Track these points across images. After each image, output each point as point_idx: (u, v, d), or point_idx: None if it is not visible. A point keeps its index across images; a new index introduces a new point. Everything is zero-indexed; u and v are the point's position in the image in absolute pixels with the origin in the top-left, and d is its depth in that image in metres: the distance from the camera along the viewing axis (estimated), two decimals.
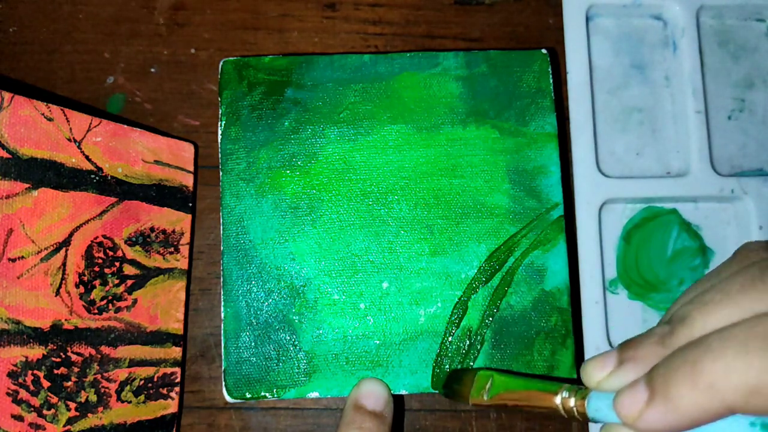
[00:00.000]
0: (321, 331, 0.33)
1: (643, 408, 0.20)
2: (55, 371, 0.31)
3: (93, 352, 0.32)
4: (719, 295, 0.20)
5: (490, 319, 0.33)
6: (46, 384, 0.31)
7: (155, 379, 0.35)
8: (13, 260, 0.30)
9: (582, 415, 0.23)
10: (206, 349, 0.37)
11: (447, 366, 0.33)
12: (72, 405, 0.31)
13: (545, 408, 0.25)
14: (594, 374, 0.22)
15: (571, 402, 0.23)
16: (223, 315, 0.33)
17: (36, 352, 0.31)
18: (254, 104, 0.35)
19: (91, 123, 0.33)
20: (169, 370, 0.35)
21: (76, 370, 0.32)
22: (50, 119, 0.32)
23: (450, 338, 0.33)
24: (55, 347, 0.31)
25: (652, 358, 0.21)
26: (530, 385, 0.26)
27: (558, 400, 0.24)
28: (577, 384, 0.24)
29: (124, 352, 0.34)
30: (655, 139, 0.39)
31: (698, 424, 0.19)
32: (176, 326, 0.36)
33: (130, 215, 0.34)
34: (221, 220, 0.34)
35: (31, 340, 0.30)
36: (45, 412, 0.30)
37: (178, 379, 0.36)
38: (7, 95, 0.30)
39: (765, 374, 0.18)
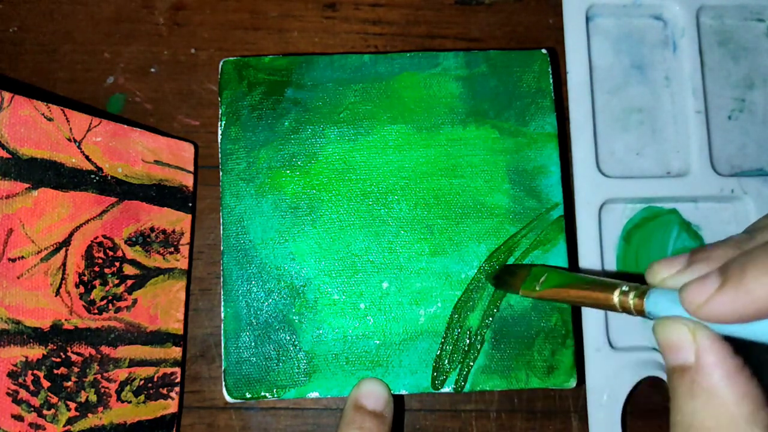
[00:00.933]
0: (321, 331, 0.33)
1: (712, 294, 0.20)
2: (55, 371, 0.31)
3: (93, 352, 0.32)
4: None
5: (490, 319, 0.33)
6: (46, 384, 0.31)
7: (155, 379, 0.35)
8: (13, 260, 0.30)
9: (639, 310, 0.22)
10: (206, 349, 0.37)
11: (447, 366, 0.33)
12: (72, 405, 0.31)
13: (600, 303, 0.24)
14: (661, 271, 0.22)
15: (630, 297, 0.23)
16: (223, 315, 0.33)
17: (36, 352, 0.31)
18: (254, 104, 0.35)
19: (91, 123, 0.33)
20: (169, 370, 0.35)
21: (76, 370, 0.32)
22: (50, 119, 0.32)
23: (450, 338, 0.33)
24: (55, 347, 0.31)
25: (726, 260, 0.20)
26: (587, 281, 0.26)
27: (616, 295, 0.23)
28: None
29: (124, 352, 0.34)
30: (655, 139, 0.39)
31: (766, 315, 0.19)
32: (176, 326, 0.36)
33: (130, 215, 0.34)
34: (221, 220, 0.34)
35: (31, 340, 0.30)
36: (45, 412, 0.30)
37: (178, 379, 0.36)
38: (7, 95, 0.30)
39: None
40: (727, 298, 0.19)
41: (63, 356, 0.31)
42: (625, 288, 0.23)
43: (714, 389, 0.20)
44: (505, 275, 0.32)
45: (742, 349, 0.20)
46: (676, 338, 0.21)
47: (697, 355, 0.20)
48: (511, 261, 0.34)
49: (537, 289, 0.27)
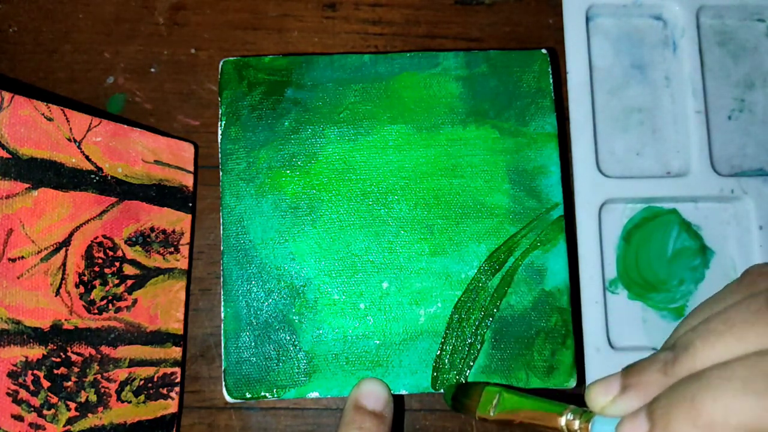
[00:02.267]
0: (321, 331, 0.33)
1: None
2: (55, 371, 0.31)
3: (93, 352, 0.32)
4: (723, 325, 0.20)
5: (490, 319, 0.33)
6: (46, 384, 0.31)
7: (155, 379, 0.35)
8: (13, 260, 0.30)
9: None
10: (206, 349, 0.37)
11: (447, 366, 0.33)
12: (72, 405, 0.31)
13: (550, 428, 0.25)
14: (598, 399, 0.23)
15: (576, 424, 0.24)
16: (223, 315, 0.33)
17: (36, 352, 0.31)
18: (254, 104, 0.35)
19: (91, 123, 0.33)
20: (169, 370, 0.35)
21: (76, 370, 0.32)
22: (50, 119, 0.32)
23: (450, 338, 0.33)
24: (55, 347, 0.31)
25: (655, 386, 0.21)
26: (537, 404, 0.27)
27: (563, 421, 0.25)
28: (581, 406, 0.25)
29: (124, 352, 0.34)
30: (655, 139, 0.39)
31: None
32: (176, 326, 0.36)
33: (130, 215, 0.34)
34: (221, 220, 0.34)
35: (31, 340, 0.30)
36: (45, 412, 0.30)
37: (178, 379, 0.36)
38: (7, 95, 0.30)
39: (765, 415, 0.18)
40: None
41: (63, 356, 0.31)
42: (570, 416, 0.24)
43: None
44: (460, 397, 0.31)
45: None
46: None
47: None
48: (510, 261, 0.34)
49: (491, 414, 0.28)
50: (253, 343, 0.33)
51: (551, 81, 0.35)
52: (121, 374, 0.33)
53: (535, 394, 0.28)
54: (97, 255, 0.33)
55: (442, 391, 0.33)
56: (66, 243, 0.32)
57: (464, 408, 0.31)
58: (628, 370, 0.23)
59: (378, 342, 0.33)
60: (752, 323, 0.20)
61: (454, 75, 0.35)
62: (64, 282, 0.32)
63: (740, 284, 0.22)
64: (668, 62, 0.39)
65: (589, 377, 0.34)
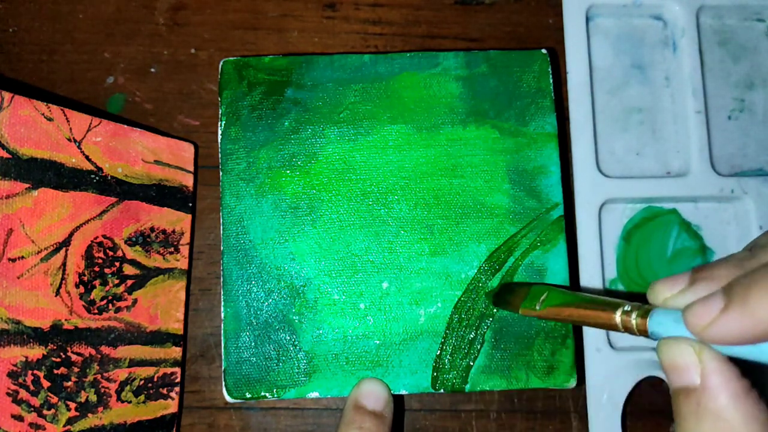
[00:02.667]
0: (321, 331, 0.33)
1: (716, 316, 0.19)
2: (55, 371, 0.31)
3: (93, 352, 0.32)
4: None
5: (490, 319, 0.33)
6: (46, 384, 0.31)
7: (155, 379, 0.35)
8: (13, 260, 0.30)
9: (641, 330, 0.22)
10: (206, 349, 0.37)
11: (447, 366, 0.33)
12: (72, 405, 0.31)
13: (602, 323, 0.24)
14: (663, 291, 0.22)
15: (632, 319, 0.23)
16: (223, 315, 0.33)
17: (36, 352, 0.31)
18: (254, 104, 0.35)
19: (91, 123, 0.33)
20: (169, 370, 0.35)
21: (76, 370, 0.32)
22: (50, 119, 0.32)
23: (450, 338, 0.33)
24: (55, 347, 0.31)
25: (728, 279, 0.20)
26: (589, 300, 0.25)
27: (618, 316, 0.23)
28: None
29: (124, 352, 0.34)
30: (655, 139, 0.39)
31: None
32: (176, 326, 0.36)
33: (130, 215, 0.34)
34: (221, 220, 0.34)
35: (31, 340, 0.30)
36: (45, 412, 0.30)
37: (178, 379, 0.36)
38: (7, 95, 0.30)
39: None
40: (732, 319, 0.19)
41: (63, 356, 0.31)
42: (627, 308, 0.23)
43: (721, 412, 0.20)
44: (504, 294, 0.31)
45: (748, 371, 0.20)
46: (681, 360, 0.21)
47: (702, 376, 0.20)
48: (510, 261, 0.34)
49: (537, 308, 0.27)
50: (253, 343, 0.33)
51: (551, 81, 0.35)
52: (121, 374, 0.33)
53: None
54: (97, 255, 0.33)
55: (441, 390, 0.33)
56: (66, 243, 0.32)
57: (507, 303, 0.30)
58: (697, 268, 0.22)
59: (378, 342, 0.33)
60: None
61: (454, 75, 0.35)
62: (64, 282, 0.32)
63: None
64: (668, 62, 0.39)
65: (589, 377, 0.34)
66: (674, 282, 0.22)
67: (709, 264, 0.22)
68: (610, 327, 0.24)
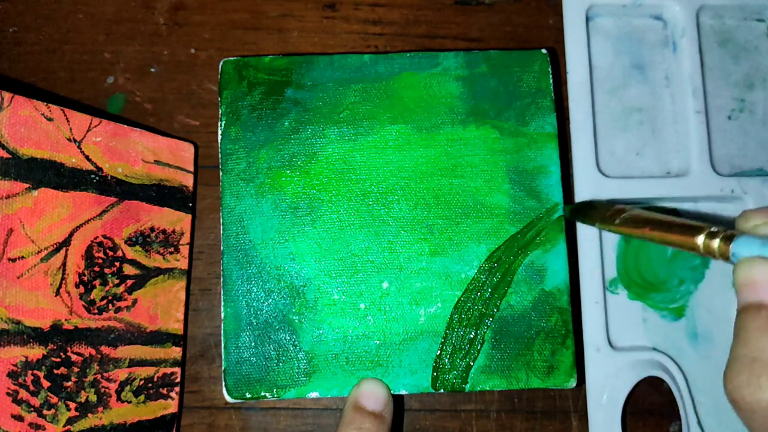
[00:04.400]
0: (321, 331, 0.33)
1: None
2: (55, 371, 0.31)
3: (93, 352, 0.32)
4: None
5: (490, 319, 0.33)
6: (46, 384, 0.31)
7: (155, 379, 0.35)
8: (13, 260, 0.30)
9: (723, 253, 0.23)
10: (206, 349, 0.37)
11: (447, 366, 0.33)
12: (72, 405, 0.31)
13: (682, 244, 0.24)
14: (754, 218, 0.22)
15: (715, 244, 0.23)
16: (223, 315, 0.33)
17: (36, 352, 0.31)
18: (254, 104, 0.35)
19: (91, 123, 0.33)
20: (169, 370, 0.35)
21: (76, 370, 0.32)
22: (50, 119, 0.32)
23: (450, 338, 0.33)
24: (55, 347, 0.31)
25: None
26: (669, 221, 0.25)
27: (701, 239, 0.23)
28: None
29: (124, 352, 0.34)
30: (655, 139, 0.39)
31: None
32: (176, 326, 0.36)
33: (130, 215, 0.34)
34: (221, 220, 0.34)
35: (31, 340, 0.30)
36: (45, 412, 0.30)
37: (178, 379, 0.36)
38: (7, 95, 0.30)
39: None
40: None
41: (63, 356, 0.31)
42: (714, 229, 0.23)
43: None
44: (584, 208, 0.31)
45: None
46: (759, 276, 0.21)
47: None
48: (510, 261, 0.34)
49: (616, 222, 0.27)
50: (253, 343, 0.33)
51: (551, 81, 0.35)
52: (121, 374, 0.33)
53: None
54: (97, 255, 0.33)
55: (441, 390, 0.33)
56: (66, 243, 0.32)
57: (586, 217, 0.30)
58: None
59: (378, 342, 0.33)
60: None
61: (454, 75, 0.35)
62: (64, 282, 0.32)
63: None
64: (668, 62, 0.39)
65: (589, 377, 0.34)
66: (765, 211, 0.22)
67: None
68: (690, 248, 0.24)
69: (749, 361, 0.21)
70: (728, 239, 0.23)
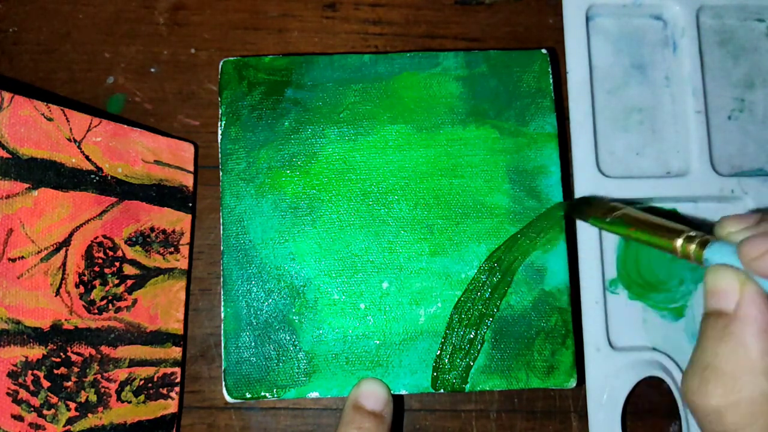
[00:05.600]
0: (321, 331, 0.33)
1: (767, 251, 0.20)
2: (55, 371, 0.31)
3: (93, 352, 0.32)
4: None
5: (490, 319, 0.33)
6: (46, 384, 0.31)
7: (155, 379, 0.35)
8: (13, 260, 0.30)
9: (697, 258, 0.23)
10: (206, 349, 0.37)
11: (447, 366, 0.33)
12: (72, 405, 0.31)
13: (662, 246, 0.25)
14: (729, 225, 0.23)
15: (692, 244, 0.24)
16: (223, 315, 0.33)
17: (36, 352, 0.31)
18: (254, 104, 0.35)
19: (91, 123, 0.33)
20: (169, 370, 0.35)
21: (76, 370, 0.32)
22: (50, 119, 0.32)
23: (450, 338, 0.33)
24: (55, 347, 0.31)
25: None
26: (657, 222, 0.27)
27: (679, 241, 0.24)
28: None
29: (124, 352, 0.34)
30: (655, 139, 0.39)
31: None
32: (176, 326, 0.36)
33: (130, 215, 0.34)
34: (221, 220, 0.34)
35: (31, 340, 0.30)
36: (45, 412, 0.30)
37: (178, 379, 0.36)
38: (7, 95, 0.30)
39: None
40: None
41: (63, 356, 0.31)
42: (691, 233, 0.24)
43: (743, 339, 0.21)
44: (581, 204, 0.32)
45: None
46: (723, 284, 0.22)
47: (738, 304, 0.21)
48: (510, 261, 0.34)
49: (607, 220, 0.29)
50: (253, 343, 0.33)
51: (551, 81, 0.35)
52: (121, 374, 0.33)
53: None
54: (97, 255, 0.33)
55: (441, 390, 0.33)
56: (66, 243, 0.32)
57: (580, 213, 0.32)
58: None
59: (378, 342, 0.33)
60: None
61: (454, 75, 0.35)
62: (64, 282, 0.32)
63: None
64: (668, 62, 0.39)
65: (589, 377, 0.34)
66: (742, 219, 0.23)
67: None
68: (670, 251, 0.25)
69: (702, 366, 0.21)
70: (703, 244, 0.23)
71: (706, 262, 0.23)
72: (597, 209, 0.30)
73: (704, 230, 0.25)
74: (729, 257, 0.22)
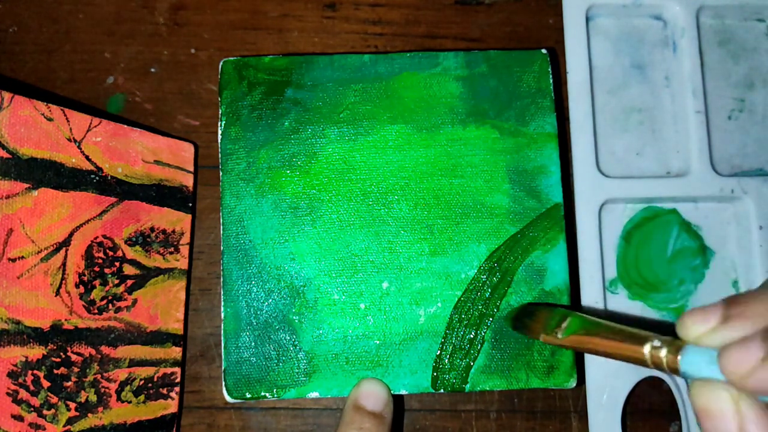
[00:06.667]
0: (321, 331, 0.33)
1: (756, 365, 0.18)
2: (55, 371, 0.31)
3: (93, 352, 0.32)
4: None
5: (490, 319, 0.33)
6: (46, 384, 0.31)
7: (155, 379, 0.35)
8: (13, 260, 0.30)
9: (673, 369, 0.21)
10: (206, 349, 0.37)
11: (447, 366, 0.33)
12: (72, 405, 0.31)
13: (629, 357, 0.23)
14: (694, 327, 0.20)
15: (662, 354, 0.21)
16: (223, 315, 0.33)
17: (36, 352, 0.31)
18: (254, 104, 0.35)
19: (91, 123, 0.33)
20: (169, 370, 0.35)
21: (76, 370, 0.32)
22: (50, 119, 0.32)
23: (450, 338, 0.33)
24: (55, 347, 0.31)
25: (765, 318, 0.19)
26: (614, 330, 0.24)
27: (647, 350, 0.22)
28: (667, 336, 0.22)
29: (124, 352, 0.34)
30: (655, 139, 0.39)
31: None
32: (176, 326, 0.36)
33: (130, 215, 0.34)
34: (221, 220, 0.34)
35: (31, 340, 0.30)
36: (45, 412, 0.30)
37: (178, 379, 0.36)
38: (7, 95, 0.30)
39: None
40: None
41: (63, 356, 0.31)
42: (657, 343, 0.22)
43: None
44: (523, 317, 0.31)
45: None
46: (716, 406, 0.20)
47: (740, 427, 0.19)
48: (510, 261, 0.34)
49: (559, 336, 0.26)
50: (253, 343, 0.33)
51: (551, 81, 0.35)
52: (121, 374, 0.33)
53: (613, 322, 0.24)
54: (97, 255, 0.33)
55: (441, 390, 0.33)
56: (66, 243, 0.32)
57: (527, 329, 0.29)
58: (730, 301, 0.20)
59: (378, 342, 0.33)
60: None
61: (454, 75, 0.35)
62: (64, 282, 0.32)
63: None
64: (668, 62, 0.39)
65: (589, 377, 0.34)
66: (705, 316, 0.20)
67: (741, 296, 0.20)
68: (638, 362, 0.23)
69: None
70: (676, 351, 0.21)
71: (685, 374, 0.21)
72: (541, 322, 0.28)
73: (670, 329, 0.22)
74: (710, 368, 0.20)
